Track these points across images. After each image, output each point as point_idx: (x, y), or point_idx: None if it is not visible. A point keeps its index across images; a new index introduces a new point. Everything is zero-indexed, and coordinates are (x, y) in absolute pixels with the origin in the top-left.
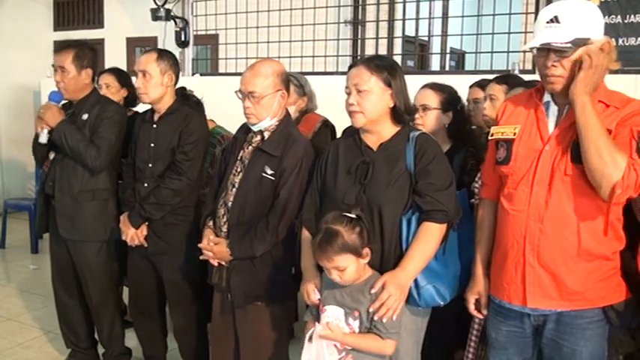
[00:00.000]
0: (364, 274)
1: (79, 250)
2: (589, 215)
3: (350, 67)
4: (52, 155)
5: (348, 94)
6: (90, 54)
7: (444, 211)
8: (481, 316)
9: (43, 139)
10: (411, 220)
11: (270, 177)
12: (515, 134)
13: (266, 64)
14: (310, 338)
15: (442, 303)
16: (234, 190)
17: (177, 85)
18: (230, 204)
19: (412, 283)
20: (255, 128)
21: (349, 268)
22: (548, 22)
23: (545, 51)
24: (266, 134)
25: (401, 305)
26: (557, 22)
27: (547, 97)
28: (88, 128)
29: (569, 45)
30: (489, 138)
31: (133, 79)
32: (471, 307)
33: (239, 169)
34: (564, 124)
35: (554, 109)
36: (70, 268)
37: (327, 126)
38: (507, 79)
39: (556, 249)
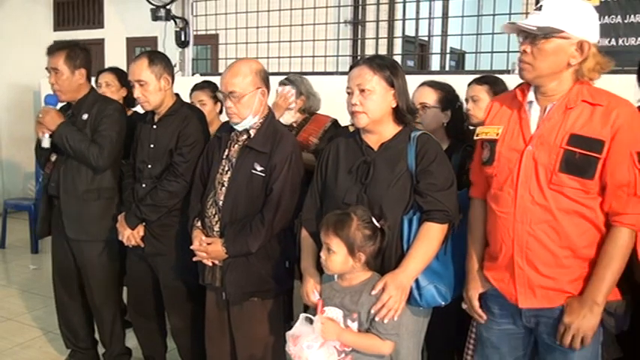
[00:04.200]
0: (361, 276)
1: (85, 251)
2: (578, 219)
3: (351, 67)
4: (53, 157)
5: (350, 94)
6: (82, 54)
7: (445, 211)
8: (485, 318)
9: (46, 143)
10: (412, 220)
11: (260, 174)
12: (497, 134)
13: (244, 64)
14: (308, 319)
15: (443, 303)
16: (223, 189)
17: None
18: (221, 203)
19: (413, 284)
20: (238, 127)
21: (337, 256)
22: (533, 10)
23: (524, 37)
24: (252, 132)
25: (402, 306)
26: (540, 10)
27: (530, 97)
28: (88, 128)
29: (534, 28)
30: (474, 138)
31: None
32: (476, 305)
33: (226, 168)
34: (546, 123)
35: (536, 108)
36: (71, 269)
37: (337, 127)
38: (488, 79)
39: (545, 252)
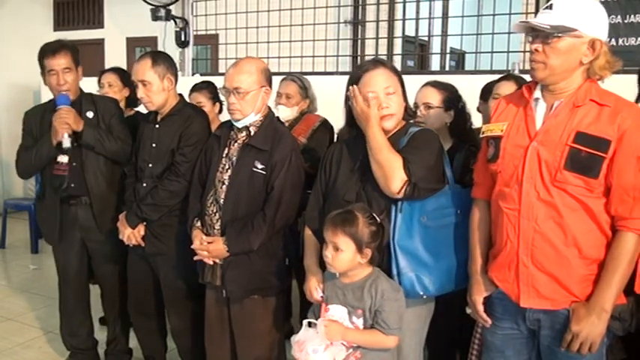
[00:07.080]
0: (362, 272)
1: (107, 244)
2: (584, 215)
3: (362, 70)
4: (61, 158)
5: (374, 97)
6: (77, 52)
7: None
8: (489, 322)
9: (67, 143)
10: (400, 207)
11: (261, 171)
12: (502, 131)
13: (250, 62)
14: (310, 324)
15: (422, 293)
16: (224, 187)
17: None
18: (222, 201)
19: (395, 269)
20: (239, 124)
21: (344, 254)
22: (543, 9)
23: (534, 36)
24: (252, 129)
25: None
26: (551, 9)
27: (537, 94)
28: (103, 126)
29: (547, 27)
30: (481, 136)
31: None
32: (480, 309)
33: (227, 167)
34: (552, 120)
35: (542, 105)
36: (83, 271)
37: (327, 127)
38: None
39: (551, 249)
